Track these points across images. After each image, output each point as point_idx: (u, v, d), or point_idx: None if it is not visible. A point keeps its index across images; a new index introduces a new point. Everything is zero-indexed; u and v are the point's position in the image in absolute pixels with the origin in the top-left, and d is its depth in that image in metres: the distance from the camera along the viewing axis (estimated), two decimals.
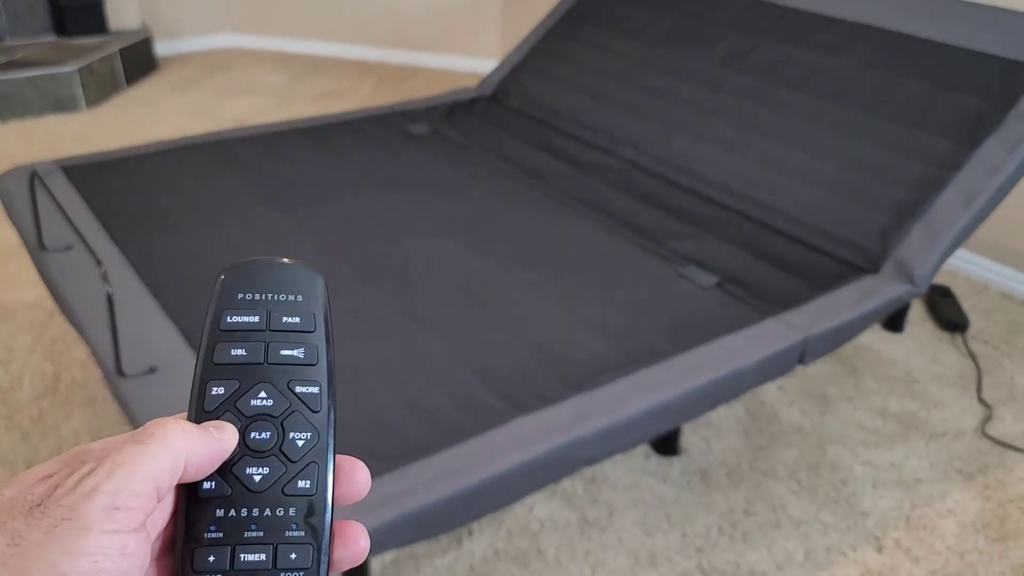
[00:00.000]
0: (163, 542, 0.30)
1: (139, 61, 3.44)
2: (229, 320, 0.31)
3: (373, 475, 0.97)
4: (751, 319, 1.32)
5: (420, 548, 1.27)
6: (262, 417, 0.30)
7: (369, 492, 0.95)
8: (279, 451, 0.30)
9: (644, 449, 1.48)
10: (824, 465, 1.47)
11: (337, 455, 0.31)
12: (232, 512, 0.29)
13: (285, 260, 0.32)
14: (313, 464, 0.30)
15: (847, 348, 1.79)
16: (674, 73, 1.99)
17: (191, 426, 0.29)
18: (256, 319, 0.31)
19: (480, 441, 1.05)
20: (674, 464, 1.46)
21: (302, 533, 0.29)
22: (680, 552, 1.28)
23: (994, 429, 1.58)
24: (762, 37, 1.91)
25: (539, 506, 1.36)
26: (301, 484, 0.29)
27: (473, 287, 1.39)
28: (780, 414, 1.59)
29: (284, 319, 0.31)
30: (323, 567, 0.29)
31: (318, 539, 0.29)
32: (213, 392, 0.30)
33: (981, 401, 1.65)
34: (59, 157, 1.81)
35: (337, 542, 0.31)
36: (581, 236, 1.57)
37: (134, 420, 1.07)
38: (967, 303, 1.99)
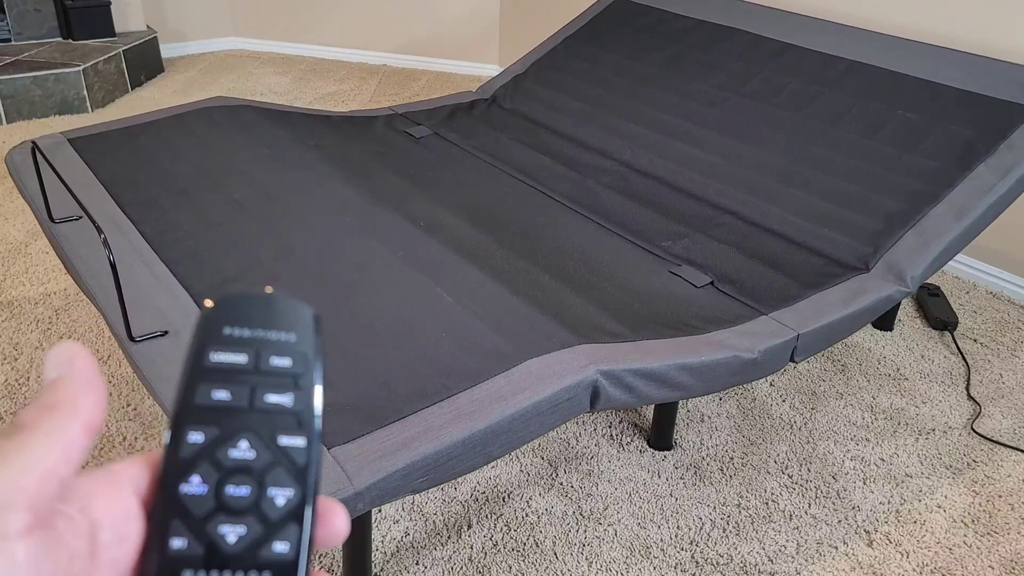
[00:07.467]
0: None
1: (145, 63, 3.47)
2: (214, 358, 0.27)
3: (381, 426, 1.01)
4: (744, 317, 1.35)
5: (420, 539, 1.30)
6: (241, 471, 0.27)
7: (381, 441, 0.97)
8: (257, 509, 0.27)
9: (639, 444, 1.51)
10: (815, 460, 1.50)
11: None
12: (203, 574, 0.26)
13: (278, 294, 0.29)
14: (292, 525, 0.27)
15: (838, 346, 1.82)
16: (675, 90, 2.04)
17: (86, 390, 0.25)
18: (244, 359, 0.28)
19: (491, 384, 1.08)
20: (668, 459, 1.49)
21: None
22: (674, 544, 1.31)
23: (982, 425, 1.60)
24: (762, 68, 1.97)
25: (536, 499, 1.38)
26: (278, 547, 0.27)
27: (467, 285, 1.42)
28: (772, 410, 1.62)
29: (274, 361, 0.28)
30: None
31: None
32: (191, 439, 0.27)
33: (970, 398, 1.68)
34: (65, 130, 1.86)
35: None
36: (576, 235, 1.60)
37: (146, 383, 1.09)
38: (956, 302, 2.02)
